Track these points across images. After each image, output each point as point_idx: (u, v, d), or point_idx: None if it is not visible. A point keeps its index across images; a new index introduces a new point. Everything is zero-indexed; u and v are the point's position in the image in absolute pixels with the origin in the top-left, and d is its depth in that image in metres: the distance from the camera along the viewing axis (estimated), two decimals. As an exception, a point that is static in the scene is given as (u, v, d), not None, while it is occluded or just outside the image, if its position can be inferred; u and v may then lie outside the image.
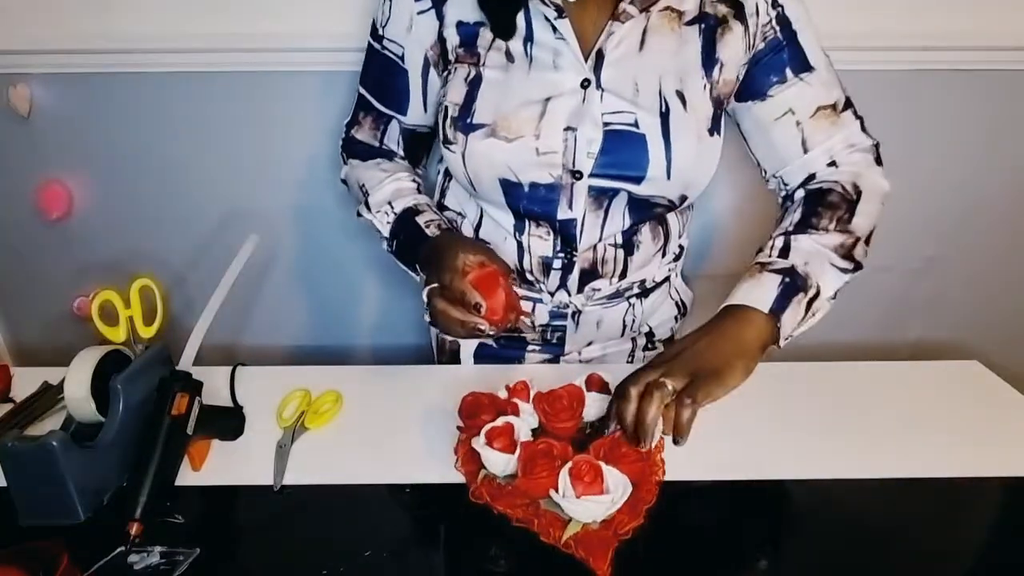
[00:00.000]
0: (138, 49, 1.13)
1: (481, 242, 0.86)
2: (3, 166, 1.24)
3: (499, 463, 0.69)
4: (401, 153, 0.95)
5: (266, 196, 1.27)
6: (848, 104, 0.84)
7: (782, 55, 0.81)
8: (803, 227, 0.77)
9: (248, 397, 0.87)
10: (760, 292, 0.71)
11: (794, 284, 0.72)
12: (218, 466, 0.77)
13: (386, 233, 0.87)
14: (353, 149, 0.95)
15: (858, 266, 0.77)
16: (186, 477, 0.73)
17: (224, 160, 1.24)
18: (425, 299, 0.76)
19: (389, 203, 0.87)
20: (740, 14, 0.79)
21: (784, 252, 0.75)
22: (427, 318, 0.76)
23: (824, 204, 0.79)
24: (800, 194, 0.83)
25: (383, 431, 0.82)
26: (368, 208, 0.89)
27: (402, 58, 0.85)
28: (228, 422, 0.82)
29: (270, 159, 1.24)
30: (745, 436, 0.80)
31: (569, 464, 0.65)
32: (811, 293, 0.72)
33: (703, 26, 0.79)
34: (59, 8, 1.11)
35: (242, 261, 0.80)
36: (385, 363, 0.95)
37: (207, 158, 1.24)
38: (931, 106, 1.23)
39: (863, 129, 0.85)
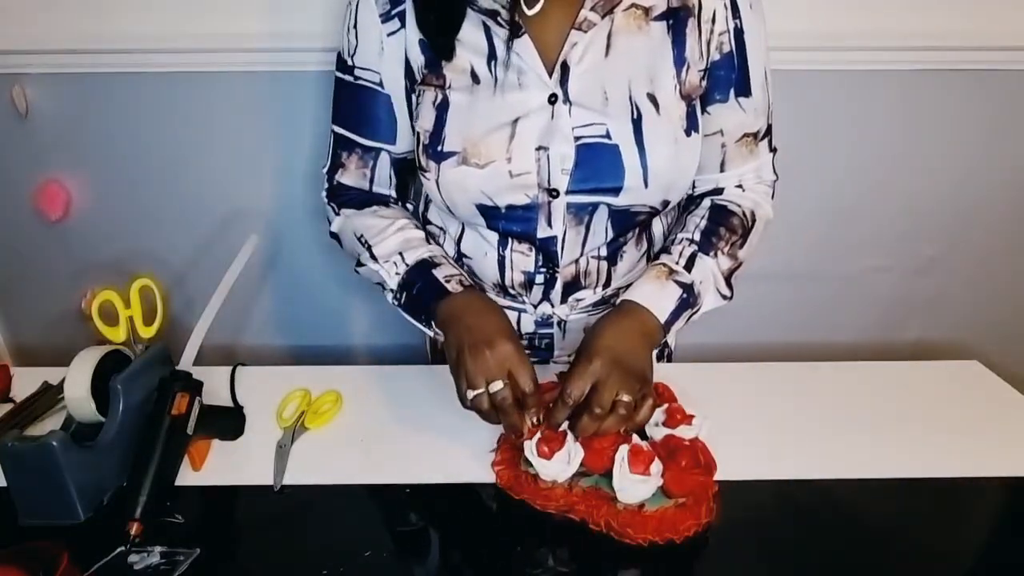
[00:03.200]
0: (137, 49, 1.13)
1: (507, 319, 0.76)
2: (2, 166, 1.24)
3: (558, 468, 0.69)
4: (393, 194, 0.90)
5: (266, 196, 1.27)
6: (767, 133, 0.86)
7: (731, 74, 0.80)
8: (707, 241, 0.82)
9: (248, 397, 0.87)
10: (663, 300, 0.77)
11: (688, 302, 0.78)
12: (218, 466, 0.77)
13: (393, 285, 0.82)
14: (342, 198, 0.89)
15: (731, 298, 0.84)
16: (186, 477, 0.73)
17: (224, 160, 1.24)
18: (493, 393, 0.68)
19: (400, 254, 0.82)
20: (698, 15, 0.77)
21: (689, 265, 0.80)
22: (471, 399, 0.69)
23: (726, 225, 0.84)
24: (707, 203, 0.87)
25: (383, 431, 0.82)
26: (374, 259, 0.83)
27: (380, 84, 0.82)
28: (228, 422, 0.82)
29: (270, 159, 1.24)
30: (745, 436, 0.80)
31: (628, 446, 0.68)
32: (694, 310, 0.80)
33: (671, 21, 0.76)
34: (58, 8, 1.11)
35: (242, 261, 0.80)
36: (384, 363, 0.95)
37: (207, 158, 1.24)
38: (931, 106, 1.23)
39: (772, 163, 0.88)
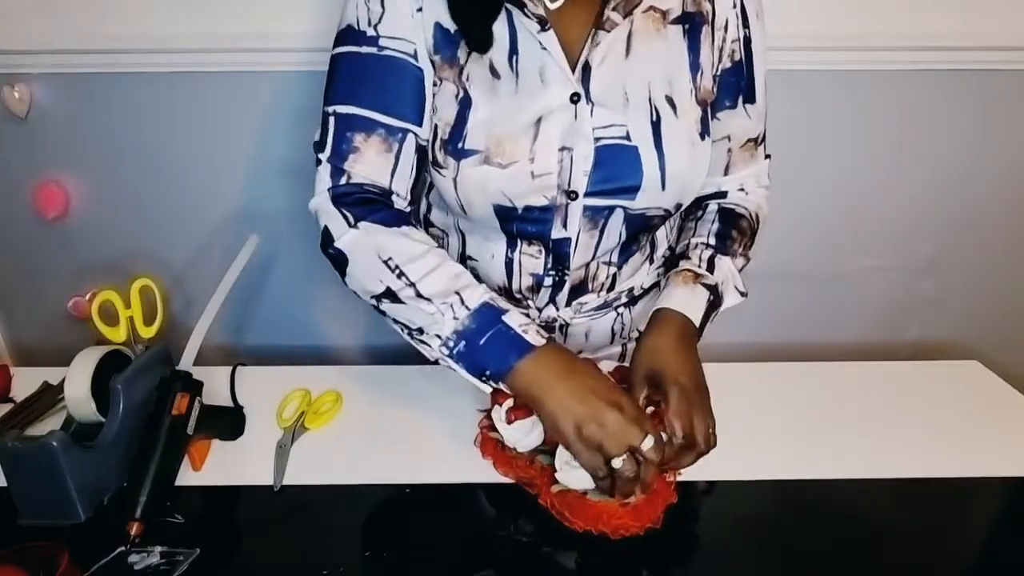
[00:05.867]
0: (137, 49, 1.13)
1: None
2: (1, 166, 1.24)
3: (517, 436, 0.70)
4: (408, 195, 0.80)
5: (266, 196, 1.27)
6: (764, 138, 0.88)
7: (740, 81, 0.81)
8: (722, 243, 0.84)
9: (248, 397, 0.87)
10: (695, 304, 0.77)
11: (715, 303, 0.80)
12: (218, 466, 0.77)
13: (448, 331, 0.69)
14: (362, 206, 0.76)
15: (746, 295, 0.84)
16: (186, 477, 0.73)
17: (224, 160, 1.24)
18: (617, 470, 0.62)
19: (457, 293, 0.70)
20: (712, 23, 0.77)
21: (711, 267, 0.81)
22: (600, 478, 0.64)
23: (737, 227, 0.85)
24: (713, 207, 0.88)
25: (383, 431, 0.82)
26: (421, 297, 0.70)
27: (415, 56, 0.74)
28: (228, 422, 0.82)
29: (270, 159, 1.24)
30: (745, 436, 0.80)
31: (509, 403, 0.70)
32: (717, 310, 0.81)
33: (687, 26, 0.77)
34: (57, 8, 1.11)
35: (242, 261, 0.80)
36: (384, 363, 0.95)
37: (207, 158, 1.24)
38: (931, 106, 1.23)
39: (768, 170, 0.90)
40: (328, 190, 0.76)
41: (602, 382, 0.67)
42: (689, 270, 0.80)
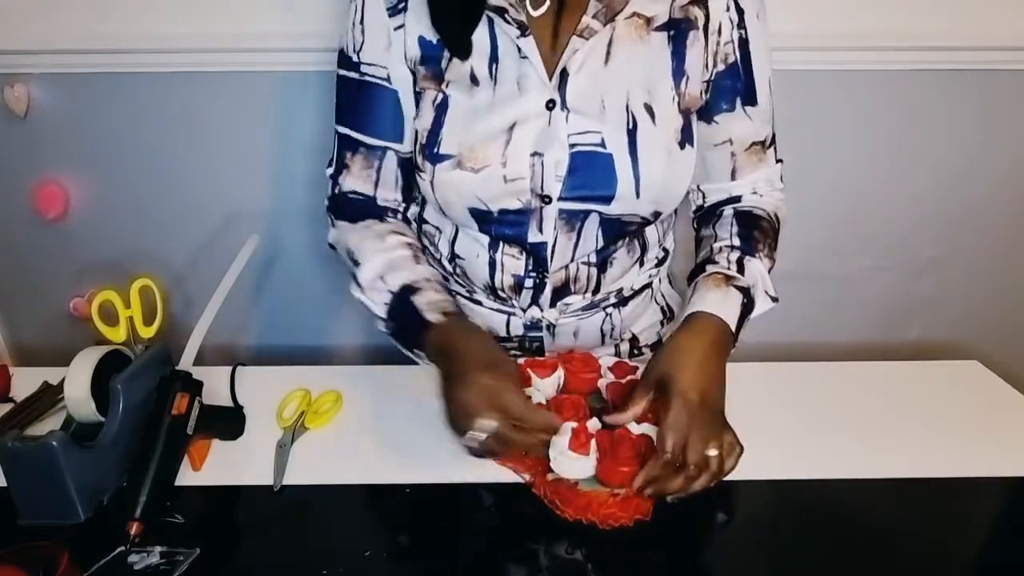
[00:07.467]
0: (137, 49, 1.13)
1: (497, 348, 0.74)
2: (1, 166, 1.24)
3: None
4: (399, 198, 0.88)
5: (266, 196, 1.27)
6: (772, 141, 0.86)
7: (736, 83, 0.80)
8: (747, 244, 0.81)
9: (248, 397, 0.87)
10: (729, 307, 0.75)
11: (749, 306, 0.77)
12: (218, 466, 0.77)
13: (382, 314, 0.78)
14: (342, 208, 0.87)
15: (778, 300, 0.82)
16: (186, 477, 0.73)
17: (224, 160, 1.24)
18: (475, 441, 0.66)
19: (381, 278, 0.78)
20: (705, 26, 0.77)
21: (740, 269, 0.79)
22: (462, 444, 0.67)
23: (759, 228, 0.83)
24: (729, 211, 0.86)
25: (383, 431, 0.82)
26: (359, 286, 0.80)
27: (388, 79, 0.80)
28: (228, 422, 0.82)
29: (270, 159, 1.24)
30: (745, 436, 0.80)
31: (574, 425, 0.69)
32: (750, 314, 0.79)
33: (672, 33, 0.76)
34: (57, 8, 1.11)
35: (242, 261, 0.80)
36: (384, 363, 0.95)
37: (207, 158, 1.24)
38: (930, 106, 1.23)
39: (781, 173, 0.89)
40: (327, 199, 0.88)
41: (471, 358, 0.68)
42: (719, 272, 0.78)
